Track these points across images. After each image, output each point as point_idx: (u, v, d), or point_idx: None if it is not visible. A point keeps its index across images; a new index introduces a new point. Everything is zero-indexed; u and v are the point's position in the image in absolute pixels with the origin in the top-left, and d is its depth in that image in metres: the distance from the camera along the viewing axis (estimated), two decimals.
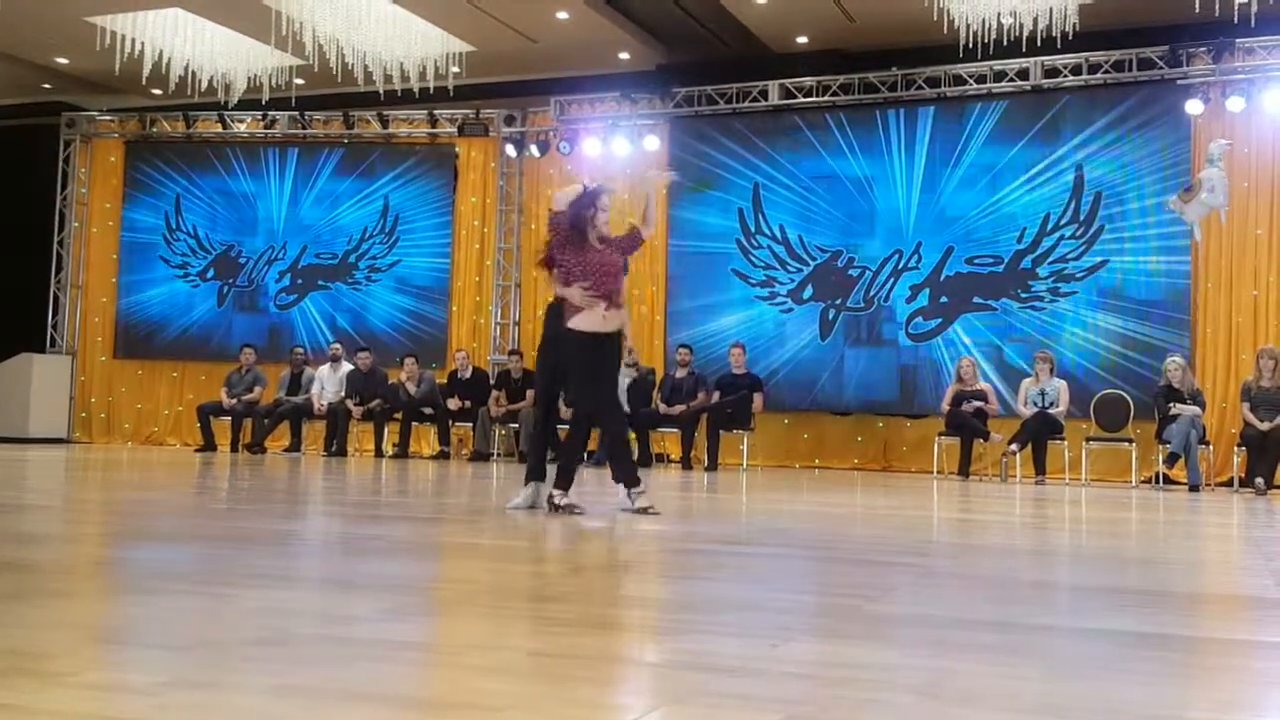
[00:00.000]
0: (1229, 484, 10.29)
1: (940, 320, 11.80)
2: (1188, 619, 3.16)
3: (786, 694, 2.03)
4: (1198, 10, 9.73)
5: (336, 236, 14.08)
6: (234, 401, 12.83)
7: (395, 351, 12.97)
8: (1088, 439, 10.68)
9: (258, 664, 2.15)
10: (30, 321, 14.53)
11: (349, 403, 12.44)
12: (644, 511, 5.56)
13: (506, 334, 13.67)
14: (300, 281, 14.12)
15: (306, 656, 2.23)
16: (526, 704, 1.96)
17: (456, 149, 13.90)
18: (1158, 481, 10.28)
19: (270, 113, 14.07)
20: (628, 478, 5.69)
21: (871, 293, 12.07)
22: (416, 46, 12.32)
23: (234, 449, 12.70)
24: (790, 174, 12.43)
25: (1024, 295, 11.52)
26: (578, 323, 5.62)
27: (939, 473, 10.98)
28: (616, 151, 12.93)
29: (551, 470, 5.81)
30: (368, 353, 12.82)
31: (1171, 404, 9.99)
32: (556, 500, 5.62)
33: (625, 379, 11.86)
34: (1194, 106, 10.89)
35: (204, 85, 12.96)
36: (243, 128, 14.38)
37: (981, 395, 10.84)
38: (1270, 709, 2.14)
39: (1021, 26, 10.45)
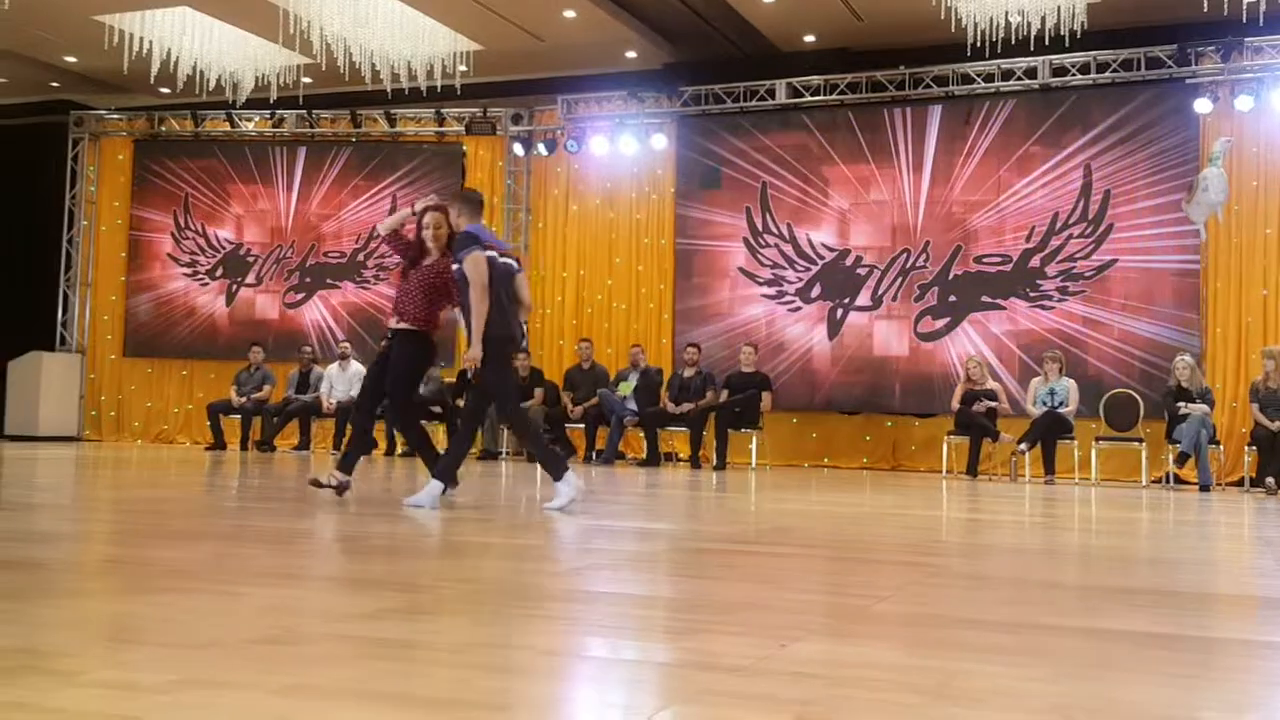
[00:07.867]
0: (1240, 484, 10.27)
1: (949, 319, 11.78)
2: (1199, 619, 3.14)
3: (796, 694, 2.02)
4: (1206, 9, 9.71)
5: (344, 235, 14.10)
6: (243, 400, 12.86)
7: None
8: (1097, 438, 10.66)
9: (267, 663, 2.15)
10: (40, 320, 14.58)
11: None
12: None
13: None
14: (309, 280, 14.15)
15: (316, 655, 2.23)
16: (535, 703, 1.96)
17: (464, 148, 13.91)
18: (1168, 481, 10.26)
19: (278, 111, 14.10)
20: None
21: (880, 292, 12.05)
22: (424, 45, 12.34)
23: (243, 447, 12.73)
24: (798, 173, 12.42)
25: (1033, 294, 11.49)
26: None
27: (948, 472, 10.97)
28: (623, 150, 12.93)
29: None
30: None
31: (1181, 403, 9.97)
32: (324, 479, 6.13)
33: (632, 379, 11.88)
34: (1202, 105, 10.86)
35: (212, 84, 13.00)
36: (251, 126, 14.41)
37: (992, 394, 10.84)
38: None
39: (1029, 25, 10.45)
